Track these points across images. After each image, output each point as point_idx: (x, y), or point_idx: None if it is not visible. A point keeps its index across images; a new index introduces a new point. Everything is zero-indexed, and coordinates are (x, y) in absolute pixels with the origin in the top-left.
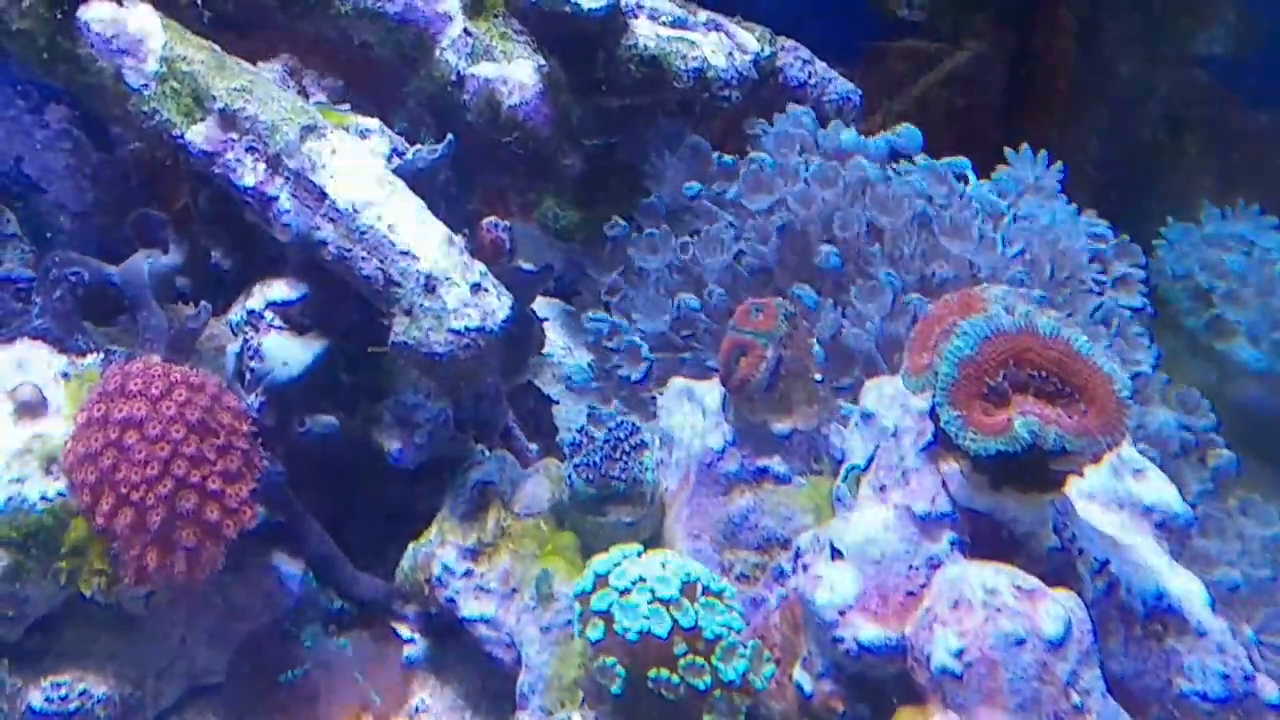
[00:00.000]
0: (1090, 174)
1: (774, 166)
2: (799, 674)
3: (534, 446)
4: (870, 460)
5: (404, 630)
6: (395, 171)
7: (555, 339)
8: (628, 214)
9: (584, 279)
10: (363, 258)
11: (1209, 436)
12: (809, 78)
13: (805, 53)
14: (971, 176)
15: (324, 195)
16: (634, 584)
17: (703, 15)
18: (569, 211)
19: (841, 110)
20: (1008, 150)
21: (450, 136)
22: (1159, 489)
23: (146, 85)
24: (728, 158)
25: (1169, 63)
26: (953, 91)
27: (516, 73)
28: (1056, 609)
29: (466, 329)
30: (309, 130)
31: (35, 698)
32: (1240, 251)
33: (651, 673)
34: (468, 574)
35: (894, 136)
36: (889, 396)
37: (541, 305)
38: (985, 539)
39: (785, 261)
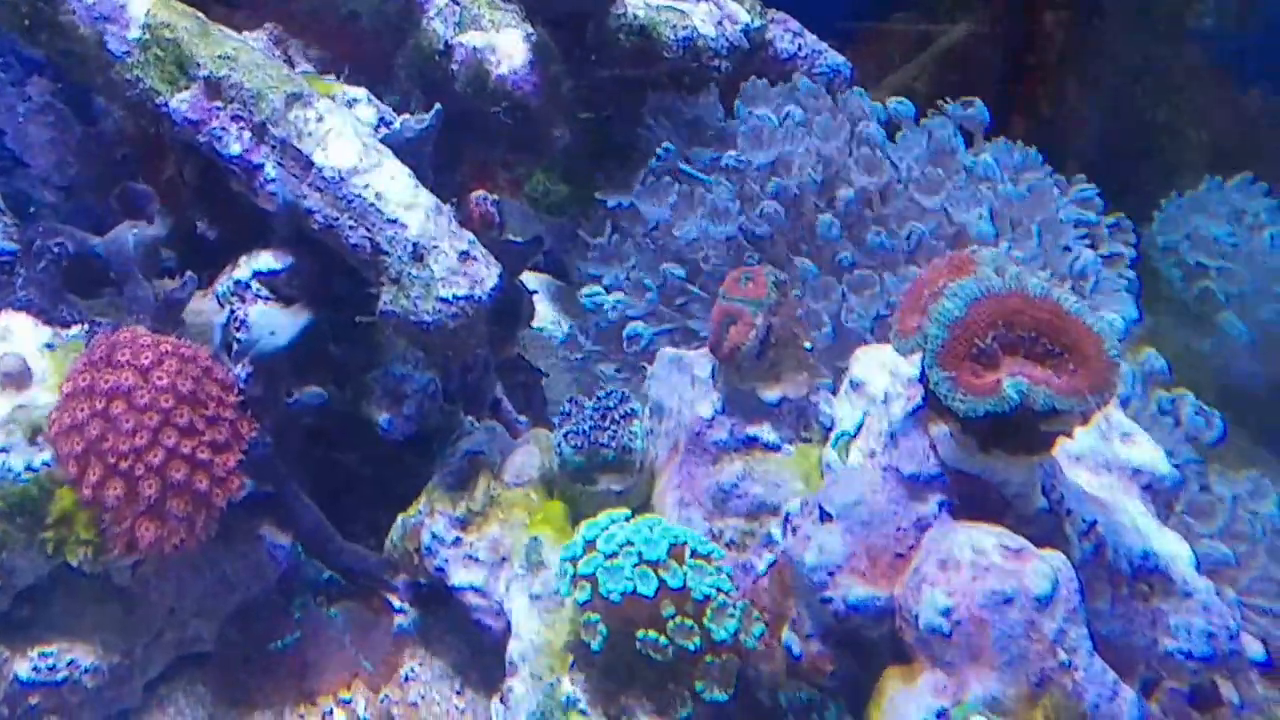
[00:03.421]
0: (1086, 150)
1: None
2: (788, 635)
3: (523, 419)
4: (859, 427)
5: (393, 600)
6: (383, 141)
7: (545, 313)
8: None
9: (575, 247)
10: (350, 226)
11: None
12: (799, 49)
13: (795, 25)
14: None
15: (311, 164)
16: (620, 548)
17: None
18: (558, 186)
19: (832, 83)
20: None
21: (437, 106)
22: (1146, 452)
23: (129, 52)
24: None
25: (1165, 39)
26: (948, 68)
27: (505, 42)
28: (1044, 568)
29: (455, 297)
30: (295, 98)
31: (23, 667)
32: (1230, 220)
33: (639, 634)
34: (457, 543)
35: (891, 106)
36: (878, 364)
37: (530, 279)
38: (974, 500)
39: (782, 226)
